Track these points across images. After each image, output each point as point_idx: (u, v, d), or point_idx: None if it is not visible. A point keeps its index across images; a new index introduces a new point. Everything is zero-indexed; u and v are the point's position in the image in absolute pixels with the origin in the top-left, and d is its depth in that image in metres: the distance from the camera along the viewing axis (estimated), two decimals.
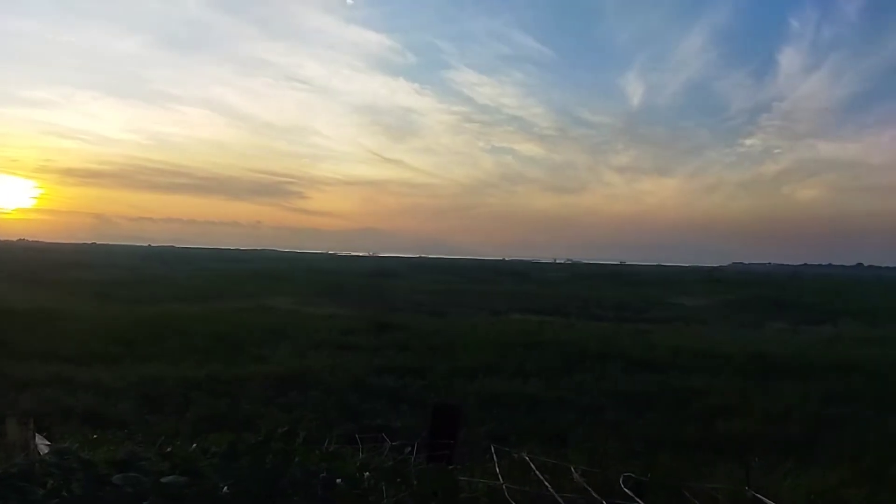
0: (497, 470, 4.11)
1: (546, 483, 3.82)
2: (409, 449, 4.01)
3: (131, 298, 32.31)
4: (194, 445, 2.71)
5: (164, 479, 2.15)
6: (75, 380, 12.29)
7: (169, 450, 2.61)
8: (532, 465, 4.30)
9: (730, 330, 27.71)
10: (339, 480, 2.36)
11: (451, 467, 3.42)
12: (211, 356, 15.37)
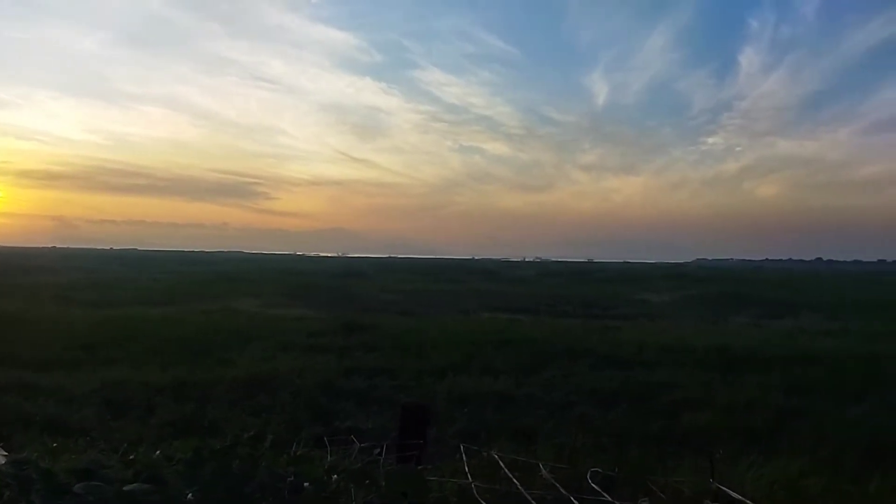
0: (466, 469, 4.13)
1: (515, 480, 3.86)
2: (379, 450, 4.01)
3: (93, 302, 31.57)
4: (158, 452, 2.67)
5: (127, 488, 2.10)
6: (35, 386, 11.95)
7: (132, 457, 2.56)
8: (501, 463, 4.34)
9: (694, 325, 28.23)
10: (306, 484, 2.34)
11: (420, 467, 3.43)
12: (176, 360, 15.11)
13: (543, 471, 4.34)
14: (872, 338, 21.86)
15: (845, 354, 17.09)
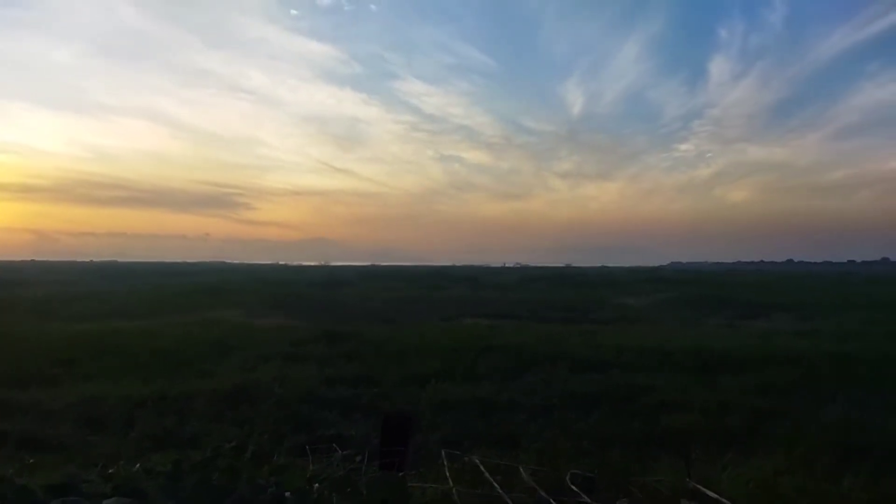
0: (448, 474, 4.12)
1: (496, 484, 3.86)
2: (361, 458, 3.99)
3: (71, 315, 31.03)
4: (138, 466, 2.63)
5: (105, 502, 2.08)
6: (11, 402, 11.72)
7: (111, 471, 2.53)
8: (482, 468, 4.34)
9: (670, 327, 28.49)
10: (287, 494, 2.33)
11: (402, 474, 3.42)
12: (155, 373, 14.90)
13: (524, 474, 4.35)
14: (844, 338, 22.23)
15: (818, 355, 17.34)
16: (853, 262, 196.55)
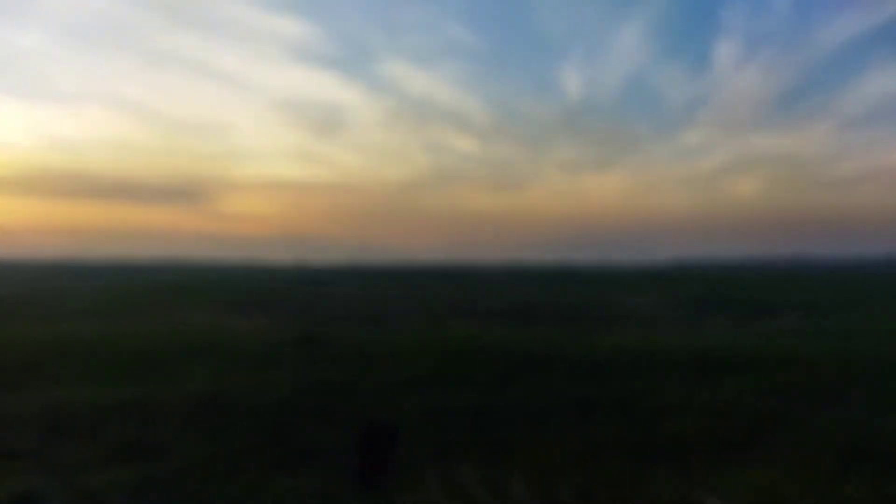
0: (434, 488, 4.14)
1: (486, 498, 3.88)
2: (340, 471, 3.99)
3: (32, 317, 30.77)
4: (103, 476, 2.64)
5: None
6: None
7: (76, 481, 2.53)
8: (471, 481, 4.36)
9: (671, 327, 28.71)
10: None
11: (384, 488, 3.43)
12: (122, 378, 14.84)
13: (516, 486, 4.38)
14: (848, 336, 22.55)
15: (822, 355, 17.57)
16: (862, 256, 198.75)
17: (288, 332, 23.64)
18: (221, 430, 10.68)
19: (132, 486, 2.41)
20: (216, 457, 5.58)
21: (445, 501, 3.58)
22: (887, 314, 30.48)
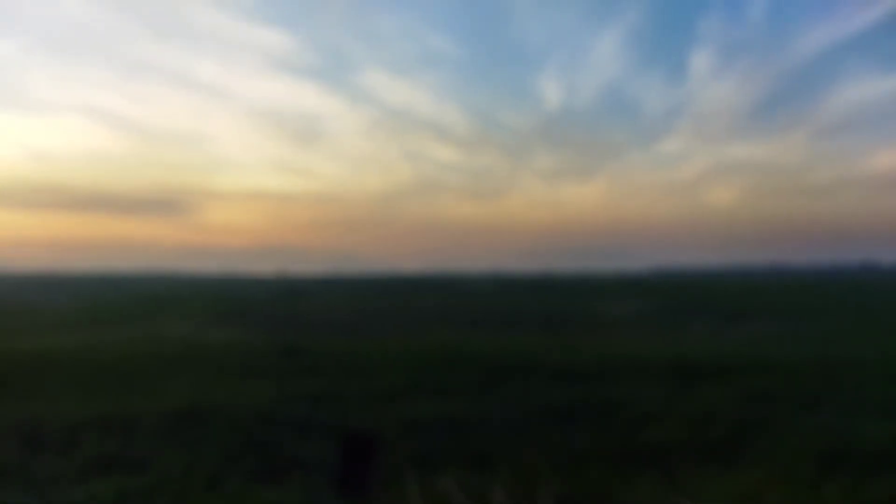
0: (415, 497, 4.15)
1: None
2: (321, 481, 3.99)
3: (9, 331, 30.30)
4: (82, 490, 2.62)
5: None
6: None
7: (54, 496, 2.51)
8: (452, 489, 4.37)
9: (652, 335, 28.93)
10: None
11: (366, 498, 3.44)
12: (99, 392, 14.63)
13: (497, 494, 4.39)
14: (826, 342, 22.86)
15: (800, 361, 17.81)
16: (837, 263, 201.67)
17: (268, 344, 23.49)
18: (201, 442, 10.57)
19: (111, 500, 2.40)
20: (196, 469, 5.53)
21: None
22: (863, 320, 30.97)
